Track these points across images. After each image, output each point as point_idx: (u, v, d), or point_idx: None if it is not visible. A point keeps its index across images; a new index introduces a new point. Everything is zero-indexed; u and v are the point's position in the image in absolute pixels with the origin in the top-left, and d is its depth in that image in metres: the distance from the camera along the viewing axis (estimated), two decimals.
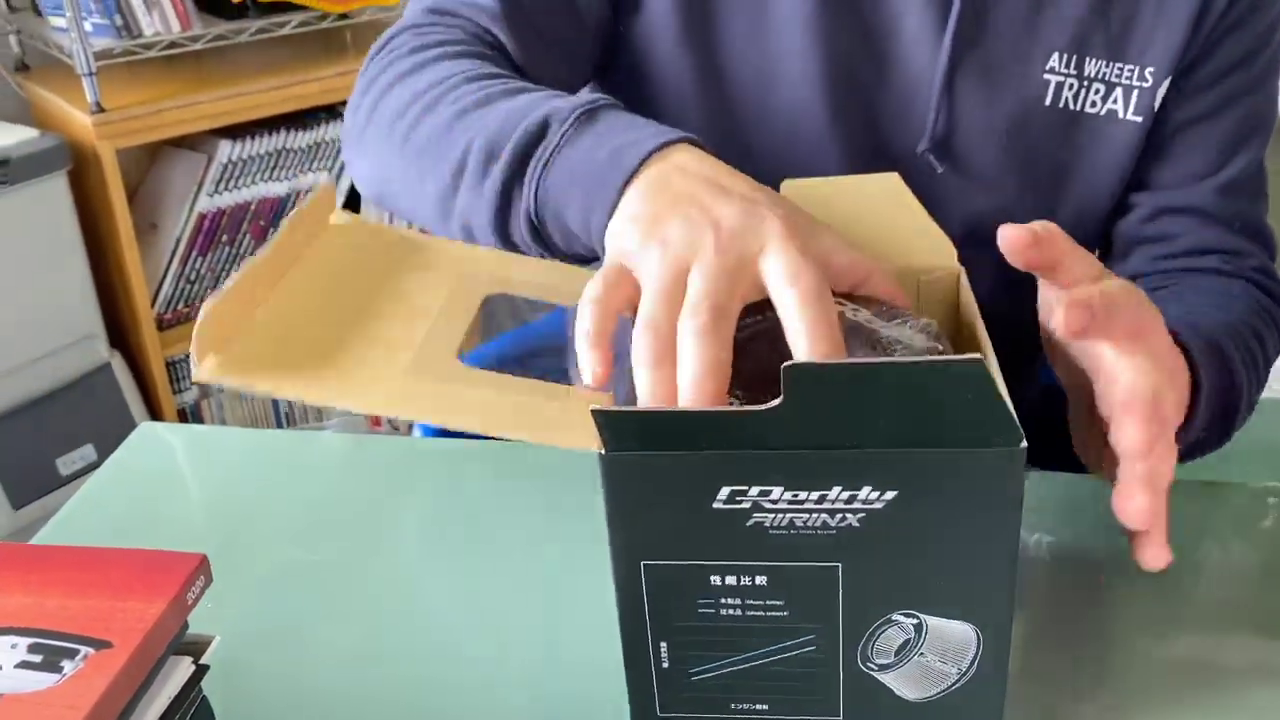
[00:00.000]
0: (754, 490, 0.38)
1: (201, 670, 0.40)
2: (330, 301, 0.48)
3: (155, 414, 1.69)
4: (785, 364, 0.35)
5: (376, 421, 1.99)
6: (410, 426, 0.91)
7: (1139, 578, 0.55)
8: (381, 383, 0.44)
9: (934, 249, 0.51)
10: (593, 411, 0.37)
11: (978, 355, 0.35)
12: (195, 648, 0.40)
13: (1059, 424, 0.80)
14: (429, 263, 0.53)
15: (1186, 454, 0.55)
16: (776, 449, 0.37)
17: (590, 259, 0.51)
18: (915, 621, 0.41)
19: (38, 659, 0.36)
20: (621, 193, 0.46)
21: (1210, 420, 0.53)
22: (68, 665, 0.36)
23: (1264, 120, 0.70)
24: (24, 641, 0.37)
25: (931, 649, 0.41)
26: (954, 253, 0.50)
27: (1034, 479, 0.63)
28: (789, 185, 0.54)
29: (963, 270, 0.50)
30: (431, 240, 0.55)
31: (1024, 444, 0.37)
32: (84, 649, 0.36)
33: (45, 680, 0.35)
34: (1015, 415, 0.37)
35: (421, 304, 0.50)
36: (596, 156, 0.48)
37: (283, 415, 1.89)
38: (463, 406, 0.43)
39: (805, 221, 0.44)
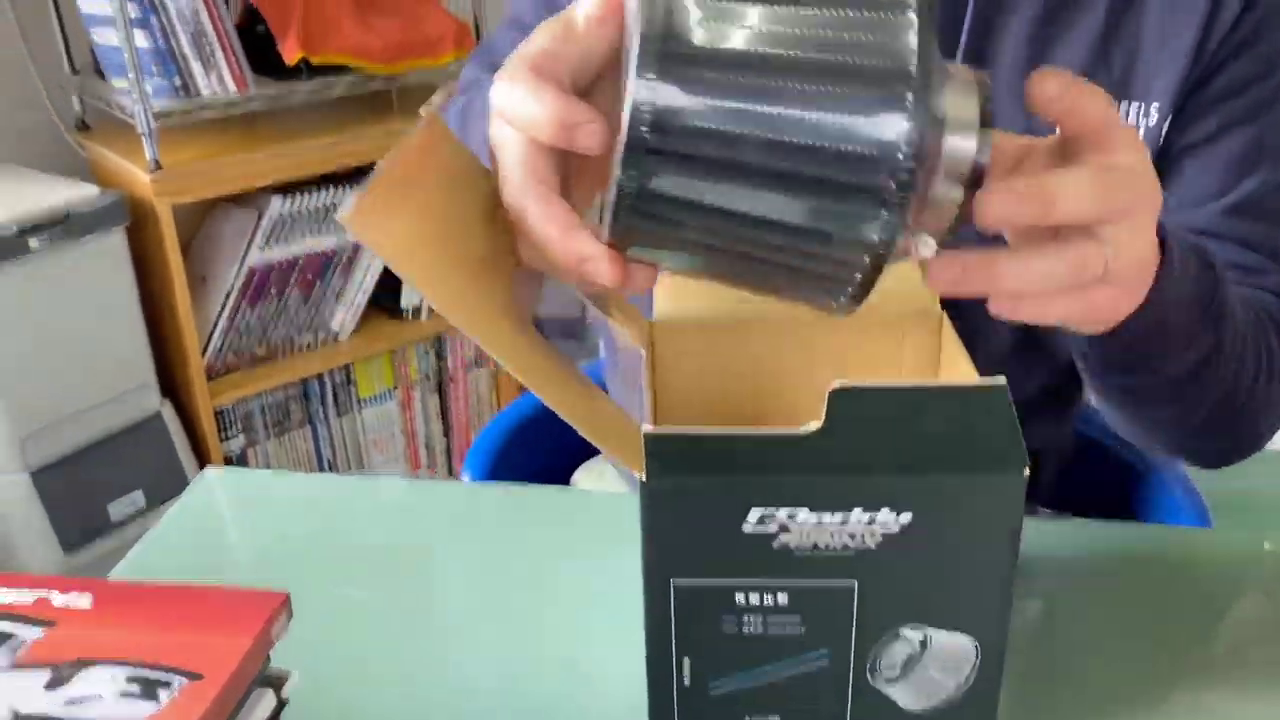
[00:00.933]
0: (782, 513, 0.41)
1: (283, 704, 0.42)
2: (457, 208, 0.47)
3: (203, 461, 1.72)
4: (831, 387, 0.38)
5: (415, 455, 2.02)
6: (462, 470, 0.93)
7: (1144, 623, 0.56)
8: (481, 318, 0.43)
9: (915, 294, 0.52)
10: (644, 434, 0.40)
11: (1002, 380, 0.38)
12: (276, 680, 0.43)
13: (1092, 472, 0.80)
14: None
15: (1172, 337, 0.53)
16: (805, 474, 0.40)
17: None
18: (921, 636, 0.43)
19: (136, 689, 0.38)
20: None
21: (1191, 291, 0.51)
22: (164, 695, 0.38)
23: (1276, 146, 0.69)
24: (123, 673, 0.39)
25: (934, 661, 0.44)
26: (935, 297, 0.52)
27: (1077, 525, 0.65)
28: None
29: (945, 315, 0.53)
30: None
31: (1026, 471, 0.40)
32: (178, 680, 0.39)
33: (145, 709, 0.38)
34: (1023, 443, 0.40)
35: (509, 246, 0.48)
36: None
37: (325, 462, 1.92)
38: (538, 375, 0.43)
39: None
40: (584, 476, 0.93)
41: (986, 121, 0.40)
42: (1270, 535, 0.61)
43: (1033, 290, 0.42)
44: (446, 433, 2.07)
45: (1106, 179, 0.42)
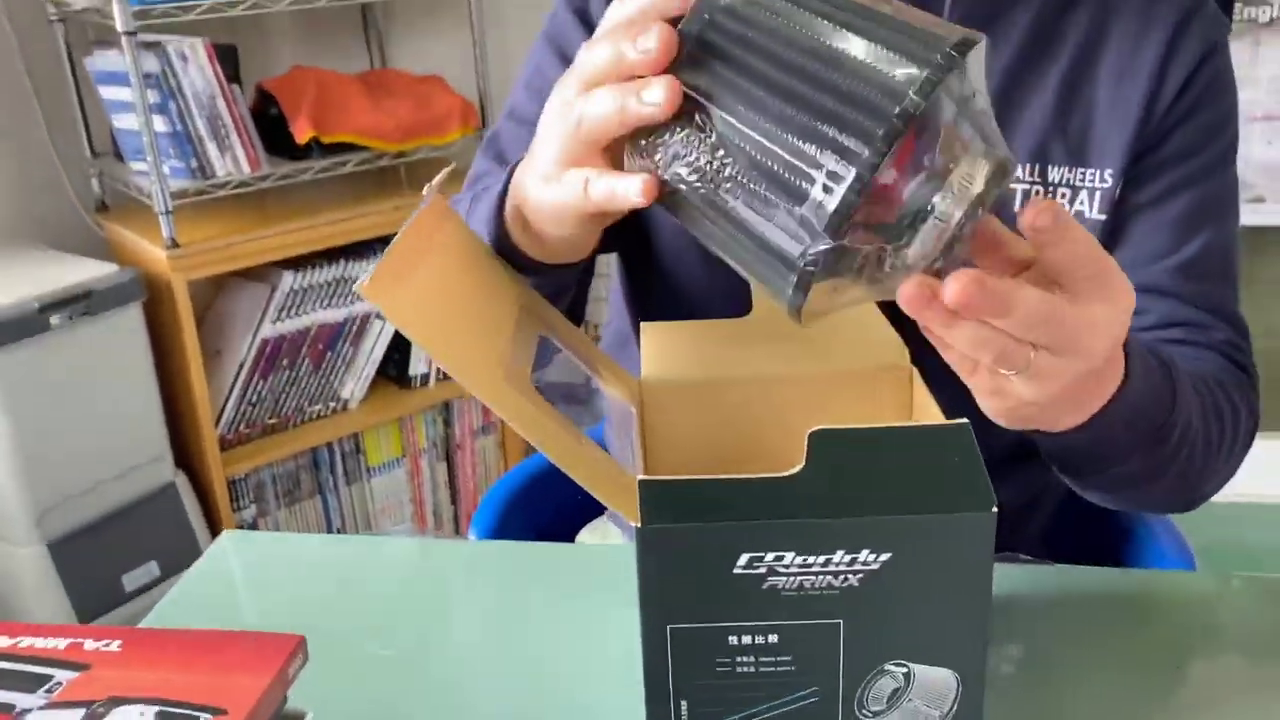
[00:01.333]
0: (769, 556, 0.43)
1: None
2: (459, 278, 0.52)
3: (215, 532, 1.75)
4: (810, 430, 0.41)
5: (423, 522, 2.05)
6: (468, 531, 0.96)
7: (1122, 663, 0.58)
8: (485, 378, 0.47)
9: (886, 349, 0.56)
10: (639, 481, 0.43)
11: (965, 421, 0.42)
12: (293, 719, 0.45)
13: (1078, 521, 0.83)
14: (503, 281, 0.58)
15: (1112, 457, 0.58)
16: (790, 518, 0.43)
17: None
18: (905, 670, 0.46)
19: None
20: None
21: (1141, 413, 0.55)
22: None
23: (1221, 206, 0.72)
24: (152, 710, 0.42)
25: (918, 695, 0.46)
26: (905, 351, 0.55)
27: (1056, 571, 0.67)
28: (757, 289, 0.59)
29: (915, 369, 0.55)
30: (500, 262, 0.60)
31: (995, 508, 0.43)
32: (204, 715, 0.42)
33: None
34: (990, 482, 0.43)
35: (505, 312, 0.53)
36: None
37: (334, 529, 1.95)
38: (540, 431, 0.47)
39: None
40: (588, 535, 0.96)
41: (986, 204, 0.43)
42: (1239, 575, 0.64)
43: (961, 347, 0.45)
44: (454, 499, 2.09)
45: (1062, 321, 0.44)
